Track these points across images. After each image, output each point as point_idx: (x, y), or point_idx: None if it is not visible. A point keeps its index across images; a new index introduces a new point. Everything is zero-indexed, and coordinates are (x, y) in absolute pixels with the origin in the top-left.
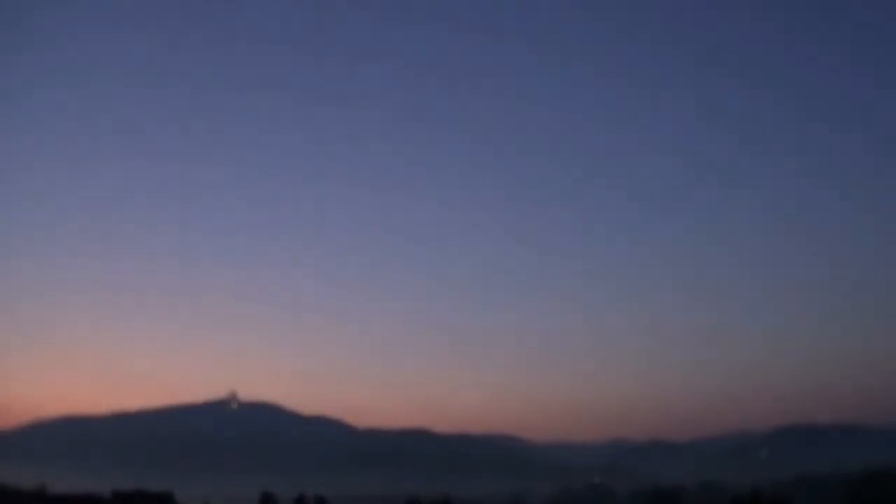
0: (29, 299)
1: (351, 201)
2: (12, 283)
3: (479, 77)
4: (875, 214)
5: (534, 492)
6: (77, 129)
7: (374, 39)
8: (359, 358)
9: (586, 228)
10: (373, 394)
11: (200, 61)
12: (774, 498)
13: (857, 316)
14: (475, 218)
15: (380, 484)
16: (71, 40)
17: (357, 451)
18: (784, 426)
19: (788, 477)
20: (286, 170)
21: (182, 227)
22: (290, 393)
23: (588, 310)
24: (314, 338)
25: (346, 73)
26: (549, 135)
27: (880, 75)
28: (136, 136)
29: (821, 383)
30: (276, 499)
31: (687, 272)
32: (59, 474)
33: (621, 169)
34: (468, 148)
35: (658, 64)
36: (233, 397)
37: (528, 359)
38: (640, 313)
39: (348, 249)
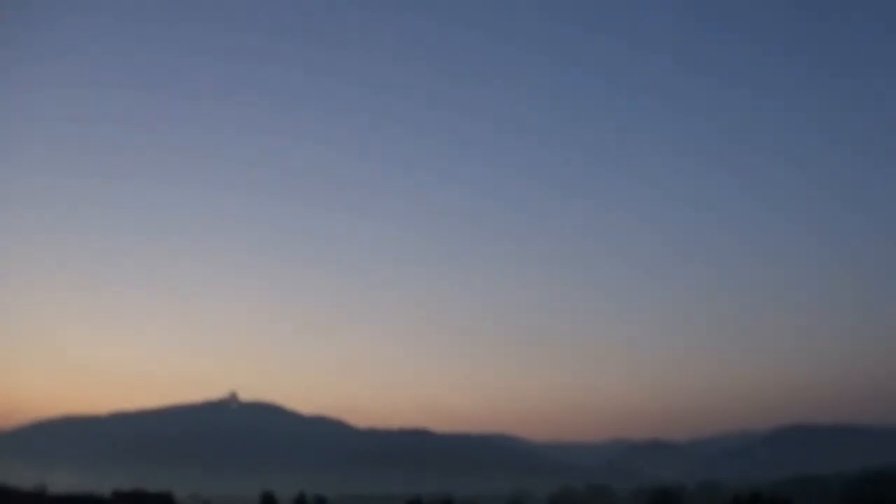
0: (29, 299)
1: (352, 202)
2: (12, 283)
3: (481, 76)
4: (875, 216)
5: (534, 492)
6: (79, 130)
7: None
8: (359, 358)
9: (587, 230)
10: (373, 394)
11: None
12: (774, 498)
13: (856, 316)
14: (476, 219)
15: (380, 484)
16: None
17: (357, 451)
18: (784, 426)
19: (788, 477)
20: (286, 171)
21: (182, 227)
22: (290, 393)
23: (589, 310)
24: (314, 338)
25: (340, 74)
26: (549, 134)
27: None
28: (138, 138)
29: (821, 383)
30: (276, 499)
31: (687, 273)
32: (59, 474)
33: (623, 170)
34: (468, 150)
35: (669, 71)
36: (233, 397)
37: (528, 359)
38: (641, 313)
39: (349, 250)
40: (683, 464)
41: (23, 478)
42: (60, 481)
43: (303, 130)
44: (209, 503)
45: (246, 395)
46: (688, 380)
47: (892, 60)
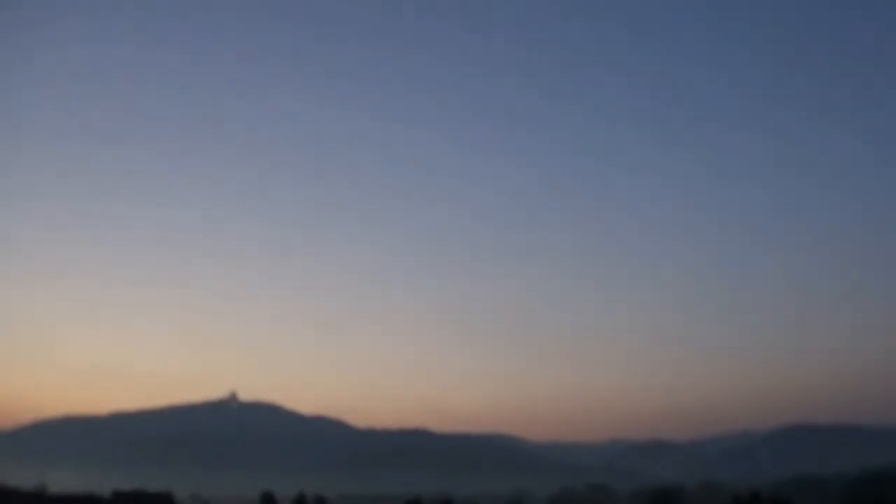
0: (29, 299)
1: (351, 201)
2: (12, 282)
3: (487, 73)
4: (875, 215)
5: (534, 492)
6: (79, 128)
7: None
8: (359, 358)
9: (587, 229)
10: (373, 394)
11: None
12: (774, 498)
13: (856, 316)
14: (476, 219)
15: (380, 484)
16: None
17: (357, 451)
18: (784, 426)
19: (788, 477)
20: (285, 169)
21: (183, 227)
22: (290, 393)
23: (588, 309)
24: (314, 338)
25: (350, 69)
26: (555, 130)
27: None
28: (138, 136)
29: (821, 383)
30: (276, 499)
31: (687, 272)
32: (59, 474)
33: (624, 169)
34: (470, 148)
35: (670, 67)
36: (233, 397)
37: (528, 358)
38: (640, 313)
39: (349, 250)
40: (683, 464)
41: (23, 478)
42: (60, 481)
43: (304, 128)
44: (209, 503)
45: (246, 395)
46: (688, 380)
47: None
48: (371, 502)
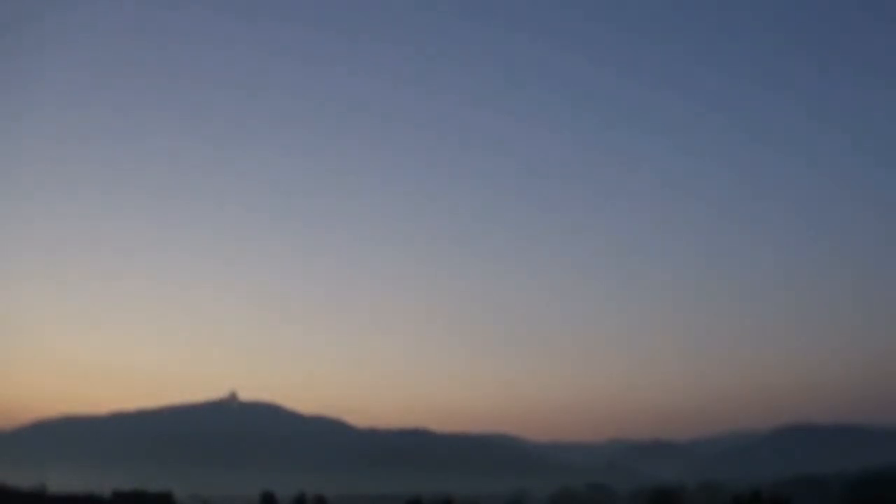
0: (29, 299)
1: (352, 202)
2: (12, 282)
3: (481, 67)
4: (875, 214)
5: (534, 492)
6: (76, 126)
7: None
8: (359, 358)
9: (586, 228)
10: (373, 394)
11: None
12: (774, 498)
13: (856, 316)
14: (477, 219)
15: (380, 484)
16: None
17: (357, 451)
18: (784, 426)
19: (788, 477)
20: (284, 169)
21: (182, 227)
22: (290, 393)
23: (588, 309)
24: (314, 338)
25: (347, 66)
26: (552, 128)
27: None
28: (136, 133)
29: (821, 383)
30: (276, 499)
31: (687, 272)
32: (59, 474)
33: (623, 168)
34: (470, 145)
35: (668, 61)
36: (233, 397)
37: (528, 358)
38: (641, 313)
39: (349, 249)
40: (683, 464)
41: (23, 478)
42: (60, 481)
43: (303, 124)
44: (209, 503)
45: (246, 395)
46: (688, 380)
47: None
48: (371, 502)
